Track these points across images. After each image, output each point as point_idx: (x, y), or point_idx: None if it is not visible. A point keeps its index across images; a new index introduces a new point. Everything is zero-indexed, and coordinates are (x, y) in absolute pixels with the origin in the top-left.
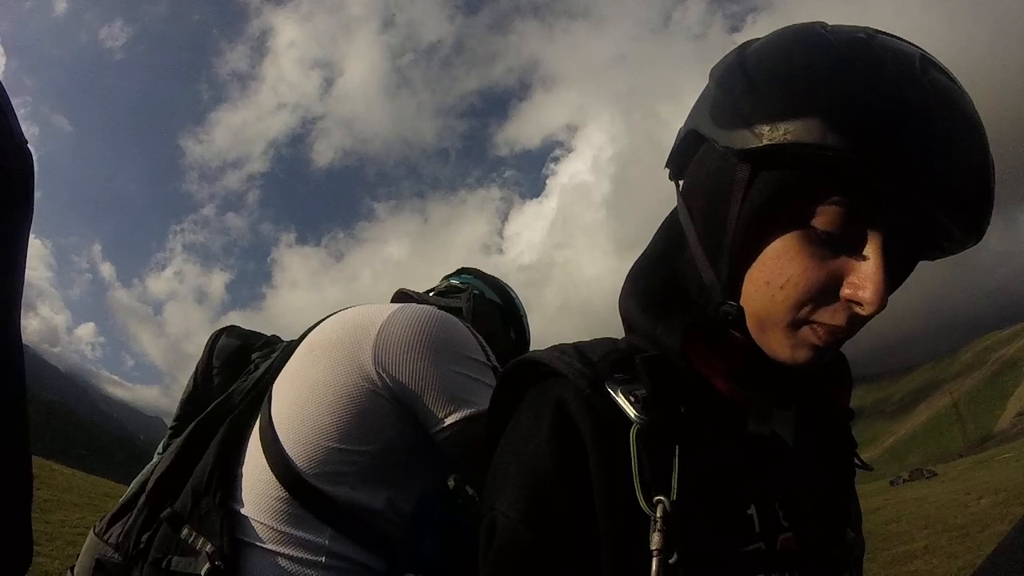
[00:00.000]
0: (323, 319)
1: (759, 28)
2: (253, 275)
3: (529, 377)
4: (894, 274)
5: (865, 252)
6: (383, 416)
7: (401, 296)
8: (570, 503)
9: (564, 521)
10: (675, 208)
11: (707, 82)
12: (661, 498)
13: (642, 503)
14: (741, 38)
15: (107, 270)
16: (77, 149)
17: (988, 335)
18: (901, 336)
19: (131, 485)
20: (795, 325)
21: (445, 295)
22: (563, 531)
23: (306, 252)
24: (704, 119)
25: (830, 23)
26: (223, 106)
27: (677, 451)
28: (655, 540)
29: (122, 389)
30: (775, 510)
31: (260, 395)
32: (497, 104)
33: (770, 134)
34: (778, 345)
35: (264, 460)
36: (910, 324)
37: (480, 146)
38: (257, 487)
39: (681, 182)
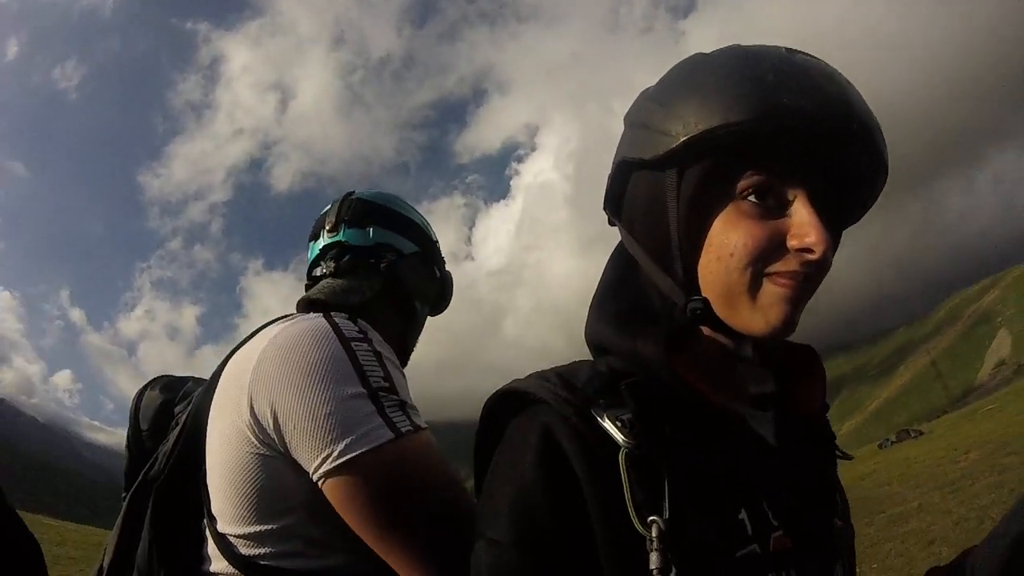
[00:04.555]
0: (241, 343)
1: (702, 16)
2: (224, 306)
3: (512, 407)
4: (829, 234)
5: (794, 208)
6: (283, 480)
7: (304, 307)
8: (562, 526)
9: (557, 544)
10: (617, 245)
11: (626, 113)
12: (655, 518)
13: (637, 525)
14: (686, 25)
15: (77, 315)
16: (36, 195)
17: (958, 292)
18: (874, 302)
19: (98, 561)
20: (755, 285)
21: (343, 273)
22: (557, 554)
23: (275, 278)
24: (627, 148)
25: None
26: (179, 138)
27: (666, 470)
28: (653, 560)
29: (104, 434)
30: (764, 510)
31: (184, 455)
32: (453, 113)
33: (684, 131)
34: (749, 315)
35: (214, 545)
36: (881, 289)
37: (440, 156)
38: (218, 567)
39: (618, 222)
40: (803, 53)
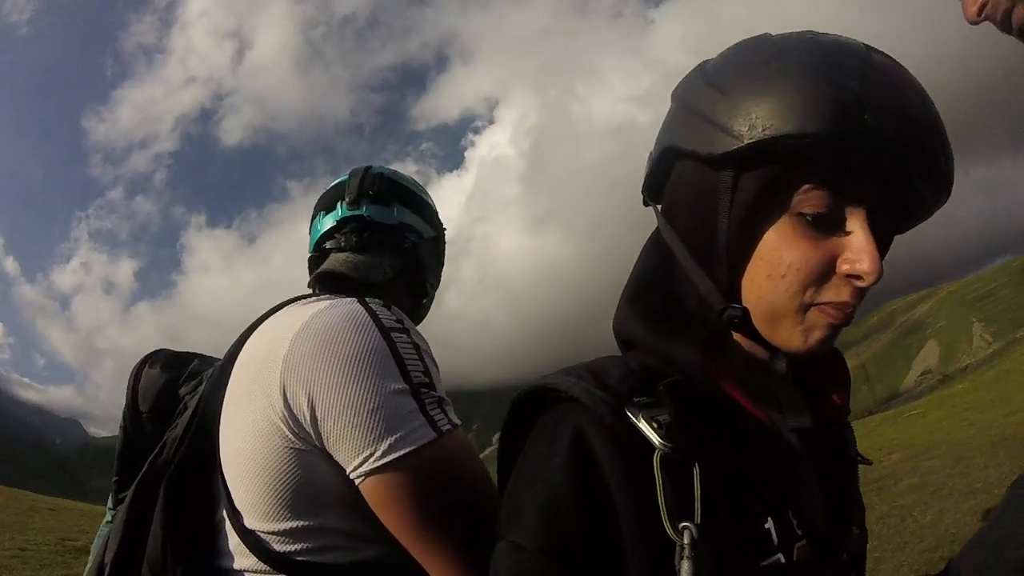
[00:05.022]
0: (257, 322)
1: (672, 6)
2: (163, 262)
3: (541, 405)
4: (879, 247)
5: (850, 228)
6: (319, 475)
7: (321, 279)
8: (591, 533)
9: (585, 552)
10: (654, 231)
11: (676, 90)
12: (687, 524)
13: (669, 531)
14: (656, 14)
15: (10, 265)
16: None
17: (893, 300)
18: None
19: (89, 561)
20: (802, 310)
21: (363, 248)
22: (584, 562)
23: (217, 235)
24: (679, 135)
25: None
26: (128, 82)
27: (698, 474)
28: (685, 568)
29: (34, 391)
30: (790, 519)
31: (195, 444)
32: (414, 77)
33: (750, 133)
34: (789, 334)
35: (239, 540)
36: None
37: (396, 121)
38: (244, 564)
39: (655, 207)
40: (880, 53)
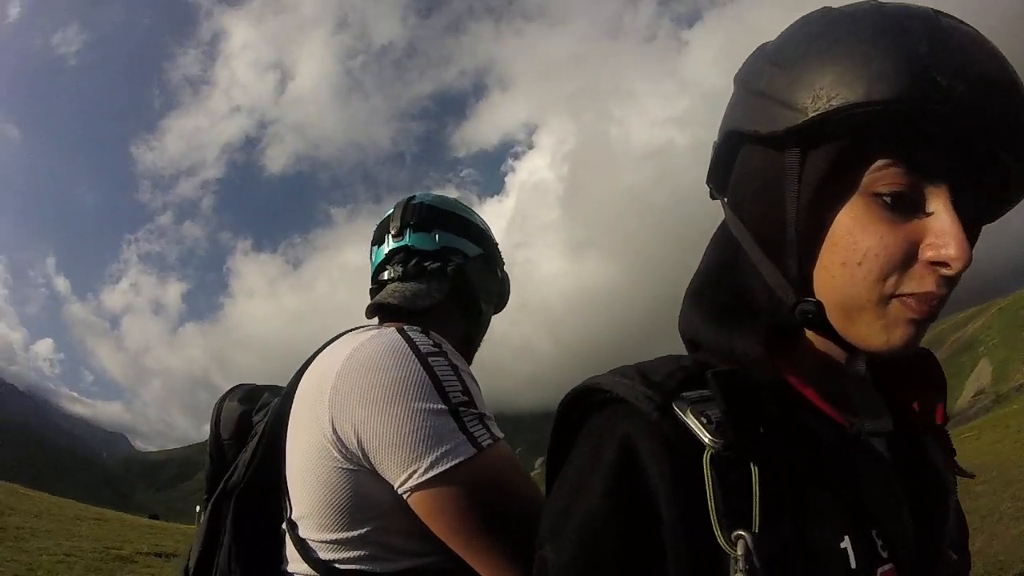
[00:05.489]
0: (316, 353)
1: (706, 27)
2: (210, 285)
3: (588, 406)
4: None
5: (932, 209)
6: (367, 491)
7: (374, 310)
8: (629, 553)
9: (618, 568)
10: (721, 224)
11: (737, 73)
12: (742, 533)
13: (720, 539)
14: (690, 36)
15: (62, 284)
16: (28, 159)
17: (944, 319)
18: None
19: (180, 563)
20: (883, 302)
21: (411, 277)
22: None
23: (263, 260)
24: (740, 117)
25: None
26: (175, 112)
27: (756, 476)
28: None
29: (82, 406)
30: (872, 539)
31: (263, 464)
32: (453, 105)
33: (814, 105)
34: (869, 330)
35: (294, 548)
36: None
37: (436, 148)
38: (297, 569)
39: (722, 198)
40: (949, 16)
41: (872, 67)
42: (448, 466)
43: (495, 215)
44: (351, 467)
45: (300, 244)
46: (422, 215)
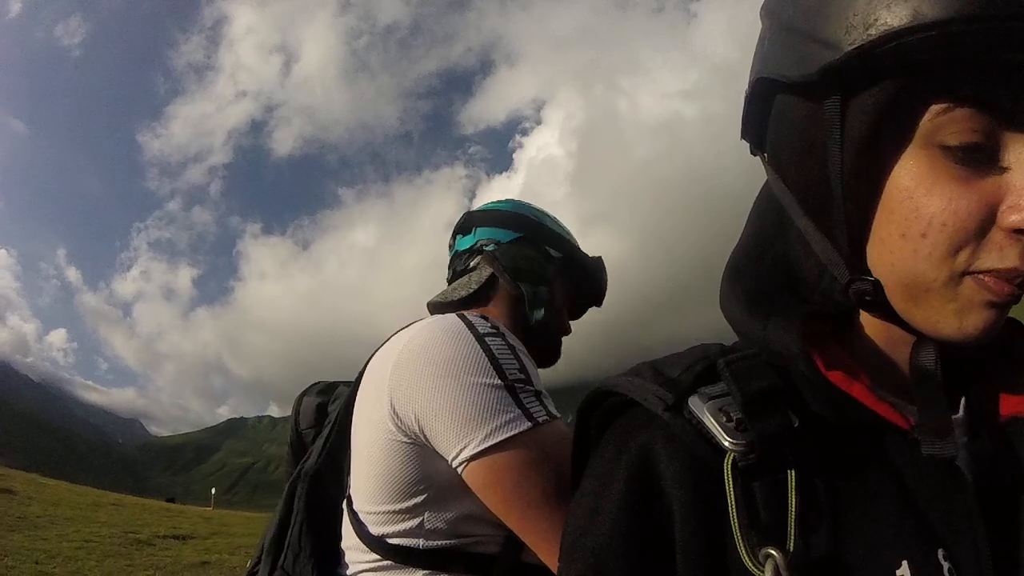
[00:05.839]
0: (383, 343)
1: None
2: (220, 269)
3: (603, 411)
4: None
5: (1011, 162)
6: (422, 465)
7: (434, 308)
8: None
9: None
10: (764, 184)
11: (763, 4)
12: (772, 551)
13: (746, 559)
14: (699, 8)
15: (73, 274)
16: (35, 153)
17: None
18: None
19: (260, 541)
20: (954, 281)
21: (458, 275)
22: None
23: (272, 242)
24: (768, 61)
25: None
26: (180, 99)
27: (793, 483)
28: None
29: (97, 394)
30: (939, 563)
31: (334, 447)
32: (459, 83)
33: (849, 38)
34: (938, 315)
35: (348, 522)
36: None
37: (444, 126)
38: (349, 543)
39: (760, 154)
40: None
41: None
42: (504, 437)
43: (504, 192)
44: (407, 440)
45: (309, 226)
46: (464, 220)
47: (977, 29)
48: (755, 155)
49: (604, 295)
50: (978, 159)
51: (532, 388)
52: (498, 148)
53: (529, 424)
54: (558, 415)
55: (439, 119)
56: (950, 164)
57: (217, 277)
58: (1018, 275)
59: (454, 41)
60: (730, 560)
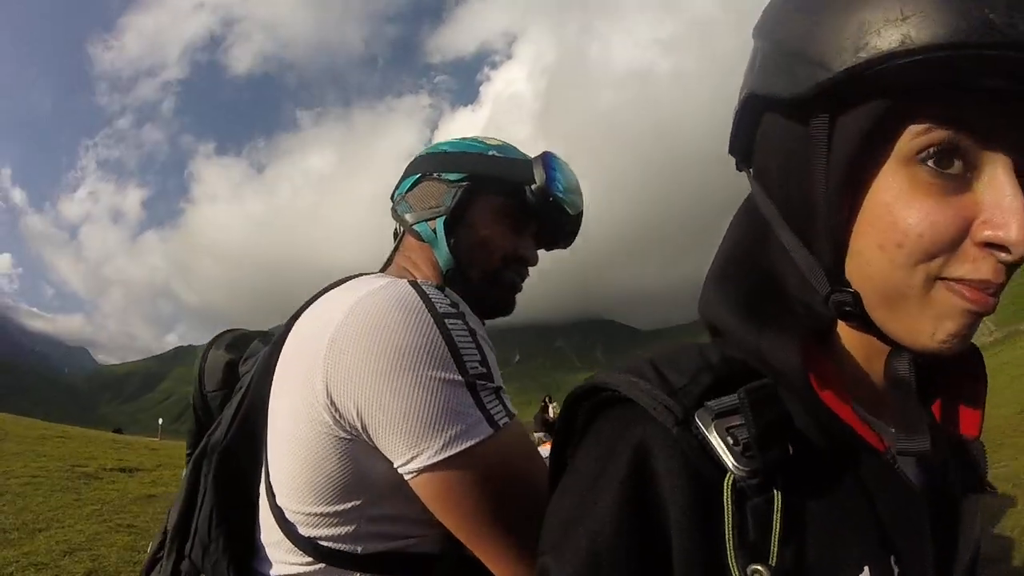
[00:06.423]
0: (311, 299)
1: None
2: (171, 190)
3: (598, 406)
4: None
5: (987, 179)
6: (360, 464)
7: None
8: (632, 571)
9: None
10: (747, 198)
11: (757, 23)
12: (758, 567)
13: (736, 573)
14: None
15: (18, 195)
16: None
17: None
18: None
19: (163, 524)
20: (927, 286)
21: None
22: None
23: (226, 163)
24: (758, 78)
25: None
26: (134, 9)
27: (779, 504)
28: None
29: (43, 321)
30: (890, 566)
31: (245, 422)
32: (430, 8)
33: (840, 58)
34: (914, 323)
35: (271, 517)
36: None
37: (411, 52)
38: (272, 539)
39: (747, 169)
40: None
41: (908, 6)
42: (463, 447)
43: (468, 125)
44: (345, 436)
45: (264, 148)
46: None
47: (961, 55)
48: (740, 171)
49: (549, 195)
50: (955, 177)
51: (492, 385)
52: (465, 80)
53: (490, 431)
54: (515, 412)
55: (406, 45)
56: (929, 181)
57: (167, 199)
58: (990, 286)
59: None
60: (720, 571)
